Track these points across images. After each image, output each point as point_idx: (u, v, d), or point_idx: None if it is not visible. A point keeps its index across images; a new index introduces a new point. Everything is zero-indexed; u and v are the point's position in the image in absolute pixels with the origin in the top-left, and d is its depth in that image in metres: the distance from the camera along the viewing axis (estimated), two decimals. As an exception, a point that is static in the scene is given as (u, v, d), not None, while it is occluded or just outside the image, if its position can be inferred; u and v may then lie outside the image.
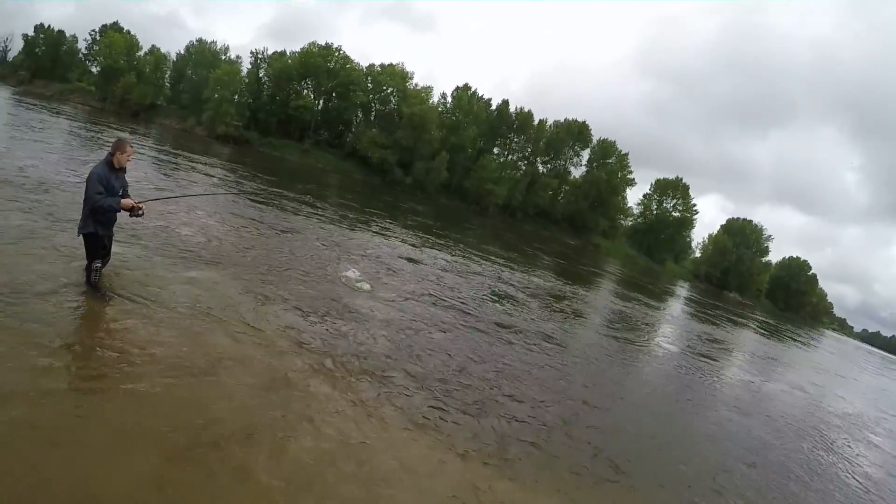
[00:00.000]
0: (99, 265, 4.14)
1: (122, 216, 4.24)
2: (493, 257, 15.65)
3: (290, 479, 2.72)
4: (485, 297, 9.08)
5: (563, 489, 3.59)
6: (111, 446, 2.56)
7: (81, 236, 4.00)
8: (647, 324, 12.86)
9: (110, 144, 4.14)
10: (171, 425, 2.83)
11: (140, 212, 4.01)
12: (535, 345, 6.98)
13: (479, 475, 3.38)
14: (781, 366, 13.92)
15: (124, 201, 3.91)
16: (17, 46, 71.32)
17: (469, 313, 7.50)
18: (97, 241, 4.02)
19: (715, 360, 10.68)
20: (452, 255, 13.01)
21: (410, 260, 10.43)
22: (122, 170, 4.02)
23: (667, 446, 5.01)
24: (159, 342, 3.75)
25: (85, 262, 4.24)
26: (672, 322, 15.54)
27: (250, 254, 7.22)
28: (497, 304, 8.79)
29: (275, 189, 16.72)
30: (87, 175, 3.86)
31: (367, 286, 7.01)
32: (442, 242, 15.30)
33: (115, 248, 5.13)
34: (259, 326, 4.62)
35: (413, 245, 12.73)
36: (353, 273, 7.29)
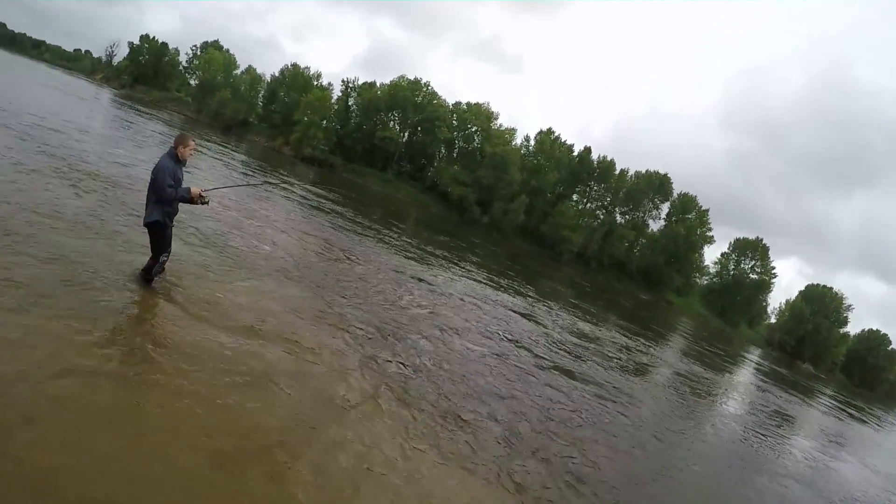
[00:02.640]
0: (165, 258, 4.13)
1: (185, 208, 4.28)
2: (564, 304, 15.51)
3: (327, 499, 2.71)
4: (554, 342, 8.94)
5: None
6: (161, 439, 2.62)
7: (147, 228, 3.99)
8: (714, 388, 12.35)
9: (189, 146, 4.11)
10: (217, 429, 2.87)
11: (205, 200, 4.04)
12: (602, 397, 6.82)
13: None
14: (847, 443, 12.90)
15: (193, 189, 3.95)
16: (122, 53, 78.24)
17: (540, 357, 7.38)
18: (164, 232, 4.00)
19: (782, 435, 10.09)
20: (525, 300, 12.87)
21: (481, 298, 10.32)
22: (184, 162, 4.06)
23: None
24: (214, 345, 3.73)
25: (148, 257, 4.21)
26: (740, 389, 14.74)
27: (318, 272, 7.14)
28: (565, 352, 8.61)
29: (353, 212, 17.22)
30: (154, 168, 3.90)
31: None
32: (514, 285, 15.14)
33: (182, 248, 5.19)
34: (316, 345, 4.53)
35: (485, 284, 12.67)
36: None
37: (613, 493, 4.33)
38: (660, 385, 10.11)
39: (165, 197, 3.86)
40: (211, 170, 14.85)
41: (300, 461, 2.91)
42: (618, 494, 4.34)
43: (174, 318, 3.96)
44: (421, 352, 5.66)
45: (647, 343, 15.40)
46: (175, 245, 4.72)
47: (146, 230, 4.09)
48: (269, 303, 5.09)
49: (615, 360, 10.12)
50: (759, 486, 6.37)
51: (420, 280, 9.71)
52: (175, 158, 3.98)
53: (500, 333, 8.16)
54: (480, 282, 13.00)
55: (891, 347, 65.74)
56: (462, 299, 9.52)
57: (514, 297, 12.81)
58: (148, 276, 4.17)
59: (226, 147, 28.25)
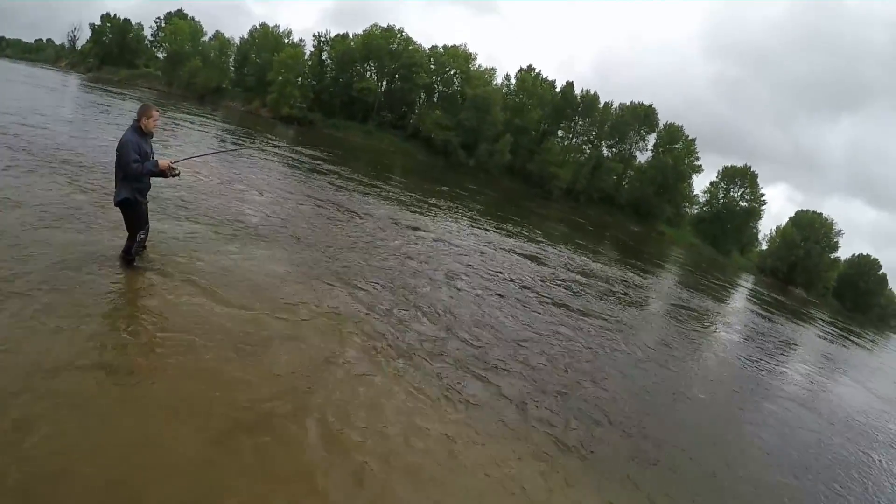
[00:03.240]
0: (143, 236, 4.00)
1: (157, 182, 4.07)
2: (557, 241, 15.42)
3: (339, 468, 2.60)
4: (551, 279, 8.91)
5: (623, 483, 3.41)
6: (159, 422, 2.50)
7: (118, 207, 3.84)
8: (709, 314, 12.49)
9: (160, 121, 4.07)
10: (218, 402, 2.76)
11: (176, 171, 3.88)
12: (602, 329, 6.86)
13: (535, 468, 3.24)
14: (842, 365, 13.19)
15: (161, 161, 3.77)
16: (85, 36, 75.28)
17: (543, 295, 7.33)
18: (137, 209, 3.85)
19: (779, 357, 10.25)
20: (517, 239, 12.75)
21: (475, 241, 10.21)
22: (150, 134, 3.91)
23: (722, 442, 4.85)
24: (207, 318, 3.61)
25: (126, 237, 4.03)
26: (735, 316, 14.97)
27: (308, 231, 6.99)
28: (562, 288, 8.60)
29: (337, 166, 16.77)
30: (118, 143, 3.70)
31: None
32: (506, 225, 15.07)
33: (163, 222, 5.04)
34: (314, 307, 4.42)
35: (477, 226, 12.55)
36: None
37: (627, 423, 4.39)
38: (660, 315, 10.11)
39: (131, 172, 3.67)
40: (187, 139, 14.25)
41: (306, 431, 2.82)
42: (631, 425, 4.37)
43: (163, 295, 3.84)
44: (422, 300, 5.53)
45: (643, 274, 15.35)
46: (155, 220, 4.62)
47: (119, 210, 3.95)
48: (261, 268, 4.92)
49: (615, 294, 10.08)
50: (764, 410, 6.35)
51: (414, 228, 9.51)
52: (139, 131, 3.82)
53: (501, 274, 8.01)
54: (474, 225, 12.76)
55: (881, 272, 66.82)
56: (458, 244, 9.33)
57: (509, 237, 12.60)
58: (128, 256, 4.04)
59: (201, 116, 27.27)
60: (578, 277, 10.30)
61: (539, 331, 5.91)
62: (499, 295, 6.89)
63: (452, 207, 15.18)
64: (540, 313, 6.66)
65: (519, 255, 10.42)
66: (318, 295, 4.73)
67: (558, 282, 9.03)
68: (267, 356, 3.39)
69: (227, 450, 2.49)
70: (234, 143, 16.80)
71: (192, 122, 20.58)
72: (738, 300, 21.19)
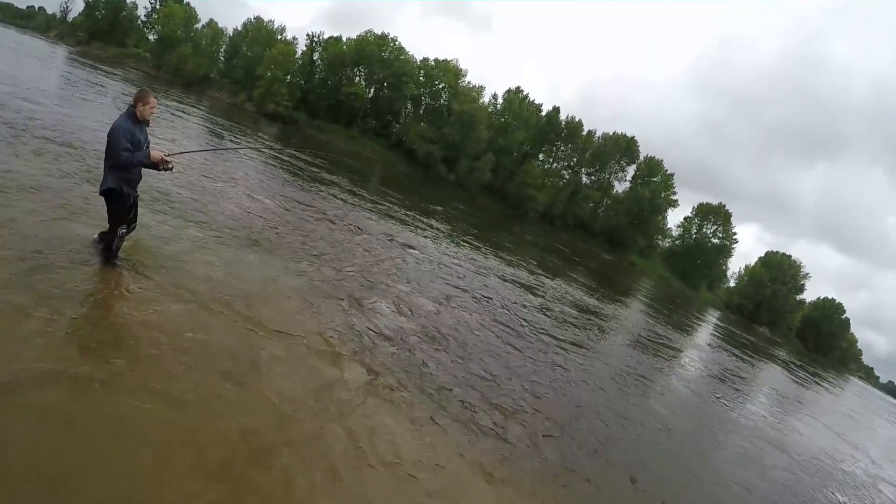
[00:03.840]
0: (124, 231, 3.65)
1: (148, 173, 3.80)
2: (529, 264, 15.49)
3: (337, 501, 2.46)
4: (522, 304, 8.94)
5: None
6: (147, 456, 2.25)
7: (103, 197, 3.54)
8: (675, 348, 12.64)
9: (149, 103, 3.60)
10: (207, 436, 2.51)
11: (170, 165, 3.61)
12: (566, 357, 6.88)
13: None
14: (806, 406, 13.53)
15: (154, 153, 3.51)
16: (77, 8, 73.68)
17: (515, 326, 7.29)
18: (122, 202, 3.54)
19: (739, 392, 10.47)
20: (489, 259, 12.83)
21: (451, 261, 10.17)
22: (146, 122, 3.61)
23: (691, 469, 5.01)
24: (191, 332, 3.33)
25: (105, 229, 3.72)
26: (700, 350, 15.20)
27: (296, 238, 6.87)
28: (532, 312, 8.65)
29: (327, 173, 16.50)
30: (110, 129, 3.43)
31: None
32: (480, 245, 15.06)
33: (143, 217, 4.64)
34: (302, 322, 4.21)
35: (455, 244, 12.56)
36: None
37: (592, 453, 4.40)
38: (631, 346, 10.14)
39: (120, 161, 3.39)
40: (177, 130, 13.75)
41: (306, 464, 2.63)
42: (594, 454, 4.39)
43: (143, 302, 3.50)
44: (407, 319, 5.46)
45: (615, 304, 15.49)
46: (141, 216, 4.29)
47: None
48: (253, 278, 4.69)
49: (588, 323, 10.08)
50: (732, 446, 6.46)
51: (409, 246, 9.49)
52: (133, 118, 3.50)
53: (464, 289, 7.99)
54: (450, 241, 12.77)
55: (844, 316, 68.85)
56: (440, 262, 9.34)
57: (481, 257, 12.52)
58: (109, 252, 3.71)
59: (186, 104, 26.67)
60: (553, 304, 10.35)
61: (515, 365, 5.85)
62: (506, 328, 6.90)
63: (434, 223, 15.20)
64: (530, 343, 6.71)
65: (489, 275, 10.44)
66: (313, 311, 4.52)
67: (536, 309, 9.07)
68: (261, 380, 3.17)
69: (227, 488, 2.25)
70: (232, 141, 16.49)
71: (178, 111, 20.05)
72: (704, 335, 21.49)
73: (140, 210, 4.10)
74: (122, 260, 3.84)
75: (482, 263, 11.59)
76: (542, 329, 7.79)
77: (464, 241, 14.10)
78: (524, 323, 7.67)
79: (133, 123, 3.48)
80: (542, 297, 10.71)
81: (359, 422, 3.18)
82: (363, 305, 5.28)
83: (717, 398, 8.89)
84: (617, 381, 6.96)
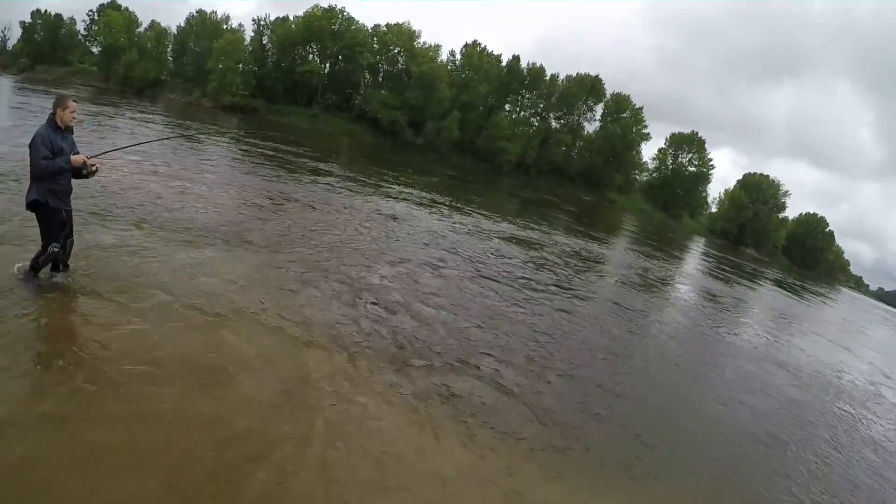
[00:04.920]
0: (57, 249, 3.42)
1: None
2: (510, 216, 15.35)
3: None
4: (509, 258, 8.83)
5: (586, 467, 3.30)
6: (113, 489, 2.05)
7: (32, 212, 3.39)
8: (666, 279, 12.72)
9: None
10: (186, 448, 2.35)
11: (93, 168, 3.41)
12: (562, 302, 6.82)
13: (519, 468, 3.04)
14: (801, 321, 13.70)
15: (74, 158, 3.30)
16: (15, 35, 70.83)
17: (507, 275, 7.23)
18: (51, 216, 3.36)
19: (732, 314, 10.52)
20: (470, 216, 12.64)
21: (429, 224, 9.99)
22: (69, 129, 3.45)
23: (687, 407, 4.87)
24: (158, 344, 3.13)
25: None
26: (691, 277, 15.35)
27: (259, 228, 6.47)
28: (518, 263, 8.54)
29: (280, 154, 16.06)
30: (29, 141, 3.27)
31: None
32: (458, 203, 14.92)
33: (89, 229, 4.46)
34: (275, 316, 3.99)
35: (428, 207, 12.34)
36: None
37: (597, 389, 4.36)
38: (618, 283, 10.03)
39: (39, 171, 3.21)
40: (119, 136, 13.11)
41: (292, 469, 2.42)
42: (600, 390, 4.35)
43: (100, 317, 3.28)
44: (388, 295, 5.14)
45: (596, 243, 15.35)
46: (86, 227, 4.13)
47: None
48: (215, 277, 4.42)
49: (569, 265, 9.90)
50: (735, 369, 6.39)
51: (378, 215, 9.16)
52: (53, 125, 3.34)
53: (458, 253, 7.68)
54: (420, 204, 12.42)
55: (828, 229, 70.25)
56: (405, 227, 8.99)
57: (459, 215, 12.23)
58: (35, 264, 3.50)
59: (139, 109, 25.83)
60: (539, 252, 10.20)
61: (511, 319, 5.70)
62: (481, 286, 6.60)
63: (403, 188, 14.90)
64: (511, 297, 6.51)
65: (467, 233, 10.24)
66: (282, 303, 4.25)
67: (524, 260, 8.96)
68: (235, 383, 2.97)
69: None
70: (169, 134, 15.73)
71: (126, 117, 19.51)
72: (694, 263, 21.73)
73: (85, 220, 4.01)
74: (67, 277, 3.65)
75: (465, 222, 11.36)
76: (533, 279, 7.68)
77: (440, 202, 13.82)
78: (515, 275, 7.54)
79: (53, 130, 3.32)
80: (528, 246, 10.58)
81: (345, 412, 3.01)
82: (348, 284, 5.05)
83: (714, 323, 8.94)
84: (614, 319, 6.94)
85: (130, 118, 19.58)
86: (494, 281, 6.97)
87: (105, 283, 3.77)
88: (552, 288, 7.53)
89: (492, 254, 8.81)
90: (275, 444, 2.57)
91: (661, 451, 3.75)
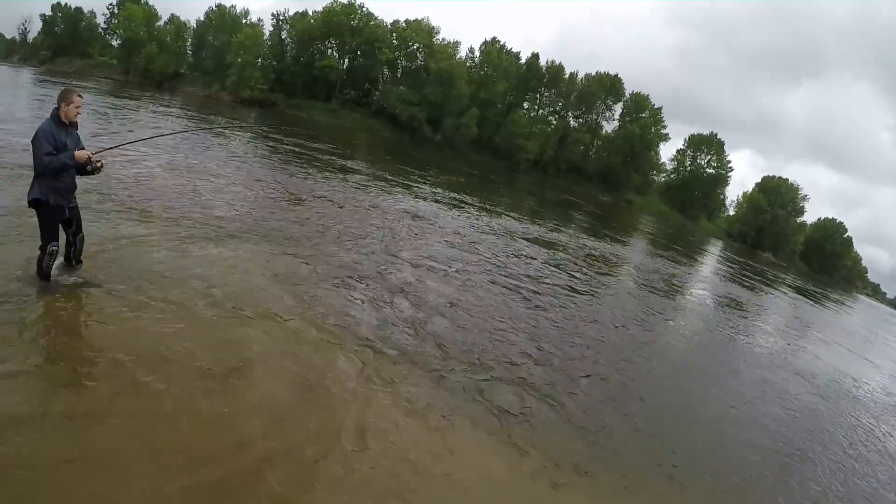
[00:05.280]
0: (55, 248, 3.34)
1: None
2: (527, 216, 15.24)
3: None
4: (526, 257, 8.74)
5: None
6: (139, 484, 1.99)
7: (34, 210, 3.30)
8: (685, 282, 12.62)
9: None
10: (190, 455, 2.23)
11: (98, 164, 3.32)
12: (577, 304, 6.72)
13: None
14: (818, 328, 13.48)
15: (78, 153, 3.21)
16: (35, 28, 71.81)
17: (525, 282, 7.04)
18: (52, 214, 3.29)
19: (749, 320, 10.37)
20: (495, 217, 12.54)
21: (450, 223, 9.86)
22: (73, 125, 3.34)
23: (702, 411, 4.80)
24: (176, 342, 3.04)
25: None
26: (709, 281, 15.16)
27: (286, 226, 6.36)
28: (537, 265, 8.45)
29: (301, 149, 16.00)
30: (32, 137, 3.18)
31: None
32: (483, 203, 14.79)
33: (104, 225, 4.36)
34: (290, 315, 3.88)
35: (449, 206, 12.23)
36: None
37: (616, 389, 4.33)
38: (641, 284, 9.98)
39: (41, 168, 3.12)
40: (136, 129, 12.88)
41: (309, 477, 2.32)
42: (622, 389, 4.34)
43: (114, 314, 3.18)
44: (415, 296, 5.06)
45: (613, 244, 15.30)
46: (98, 221, 4.04)
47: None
48: (226, 271, 4.32)
49: (587, 267, 9.83)
50: (750, 376, 6.29)
51: (401, 212, 9.09)
52: (57, 120, 3.22)
53: (482, 253, 7.58)
54: (441, 202, 12.33)
55: (846, 235, 69.09)
56: (428, 225, 8.90)
57: (479, 214, 12.14)
58: (40, 271, 3.40)
59: (158, 102, 25.98)
60: (555, 253, 10.14)
61: (528, 324, 5.58)
62: (505, 287, 6.52)
63: (422, 186, 14.82)
64: (529, 300, 6.42)
65: (487, 233, 10.16)
66: (306, 302, 4.17)
67: (541, 261, 8.87)
68: (253, 383, 2.89)
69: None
70: (190, 128, 15.79)
71: (146, 111, 19.48)
72: (711, 266, 21.52)
73: (96, 214, 3.92)
74: (76, 274, 3.56)
75: (482, 221, 11.23)
76: (551, 281, 7.60)
77: (457, 200, 13.71)
78: (532, 277, 7.44)
79: (57, 126, 3.21)
80: (544, 247, 10.51)
81: (367, 416, 2.91)
82: (375, 285, 4.96)
83: (731, 328, 8.81)
84: (631, 322, 6.85)
85: (153, 111, 19.68)
86: (518, 282, 6.92)
87: (120, 278, 3.69)
88: (573, 290, 7.50)
89: (514, 254, 8.76)
90: (291, 448, 2.46)
91: (681, 455, 3.75)
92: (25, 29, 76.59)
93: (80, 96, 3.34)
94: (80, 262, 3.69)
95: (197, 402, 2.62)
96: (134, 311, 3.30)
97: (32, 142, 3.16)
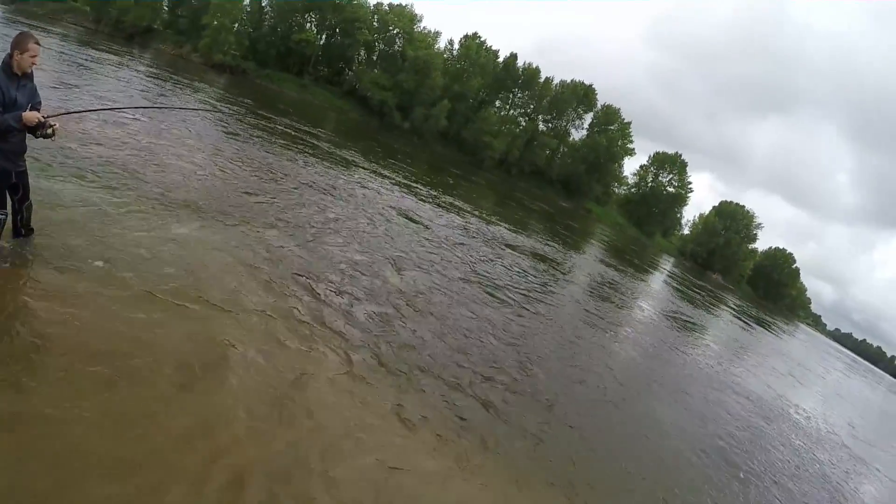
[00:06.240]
0: (3, 216, 3.05)
1: (34, 142, 3.05)
2: (485, 214, 15.34)
3: None
4: (478, 258, 8.76)
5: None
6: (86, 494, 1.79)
7: None
8: (630, 294, 12.91)
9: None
10: (162, 462, 2.04)
11: (49, 130, 2.89)
12: (521, 310, 6.69)
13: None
14: (759, 352, 14.11)
15: (27, 115, 2.78)
16: (7, -40, 67.85)
17: (477, 284, 6.99)
18: None
19: (692, 337, 10.79)
20: (447, 211, 12.55)
21: (409, 215, 9.77)
22: (28, 76, 2.91)
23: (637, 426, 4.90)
24: (135, 332, 2.76)
25: None
26: (655, 296, 15.63)
27: (245, 200, 6.13)
28: (488, 265, 8.50)
29: (267, 122, 15.71)
30: None
31: None
32: (436, 195, 14.85)
33: (49, 186, 4.02)
34: (273, 311, 3.66)
35: (411, 198, 12.17)
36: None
37: (546, 408, 4.23)
38: (587, 294, 10.13)
39: None
40: (97, 86, 12.00)
41: (293, 487, 2.20)
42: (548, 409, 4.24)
43: (66, 298, 2.81)
44: (391, 297, 4.98)
45: (566, 250, 15.44)
46: (46, 186, 3.64)
47: None
48: (199, 252, 4.03)
49: (537, 271, 9.90)
50: (694, 395, 6.50)
51: (349, 195, 8.90)
52: (8, 70, 2.78)
53: (438, 253, 7.45)
54: (406, 195, 12.11)
55: (795, 266, 72.77)
56: (394, 219, 8.74)
57: (438, 210, 12.06)
58: None
59: (125, 56, 24.79)
60: (507, 255, 10.14)
61: (488, 326, 5.60)
62: (466, 285, 6.55)
63: (387, 173, 14.75)
64: (494, 305, 6.45)
65: (445, 227, 10.19)
66: (279, 298, 3.93)
67: (491, 261, 8.88)
68: (223, 385, 2.67)
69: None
70: (168, 96, 14.68)
71: (112, 65, 18.72)
72: (661, 282, 22.08)
73: (46, 179, 3.57)
74: (24, 247, 3.22)
75: (440, 217, 11.15)
76: (500, 283, 7.59)
77: (417, 192, 13.70)
78: (483, 278, 7.44)
79: (8, 77, 2.79)
80: (497, 247, 10.56)
81: (341, 425, 2.81)
82: (319, 277, 4.71)
83: (674, 346, 9.08)
84: (572, 332, 6.85)
85: (116, 66, 18.94)
86: (474, 284, 6.95)
87: (75, 255, 3.28)
88: (526, 296, 7.55)
89: (472, 255, 8.78)
90: (264, 458, 2.32)
91: (623, 465, 3.87)
92: (-3, -38, 72.46)
93: (37, 43, 2.86)
94: (31, 230, 3.32)
95: (163, 404, 2.37)
96: (89, 292, 2.96)
97: None
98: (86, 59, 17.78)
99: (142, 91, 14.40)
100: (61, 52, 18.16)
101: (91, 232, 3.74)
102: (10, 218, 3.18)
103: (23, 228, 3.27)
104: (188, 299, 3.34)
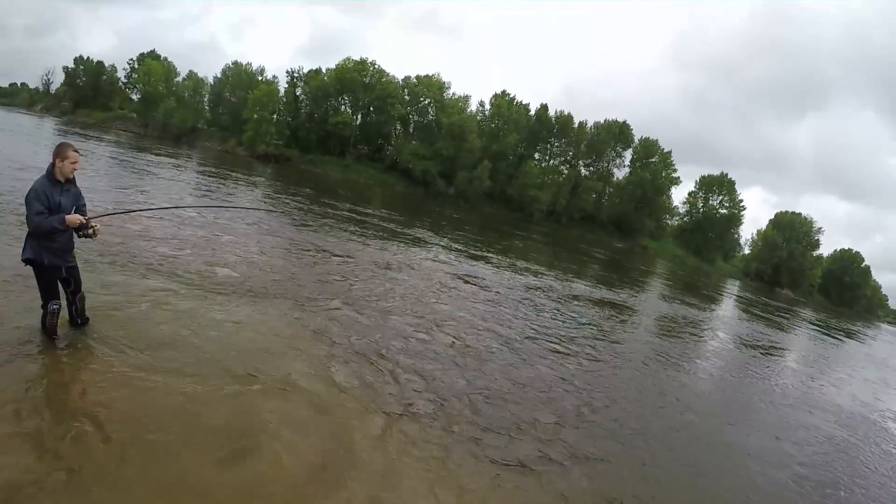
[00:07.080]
0: (56, 307, 3.29)
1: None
2: (542, 265, 15.27)
3: None
4: (539, 309, 8.61)
5: None
6: None
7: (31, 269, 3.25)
8: (700, 325, 12.43)
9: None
10: None
11: (90, 230, 3.20)
12: (591, 359, 6.51)
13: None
14: (841, 362, 13.23)
15: (69, 218, 3.06)
16: (58, 79, 74.86)
17: (545, 334, 6.97)
18: (46, 274, 3.22)
19: (772, 359, 10.28)
20: (505, 269, 12.50)
21: (467, 279, 9.71)
22: (70, 181, 3.22)
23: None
24: (185, 409, 2.95)
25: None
26: (725, 322, 14.91)
27: (297, 283, 6.29)
28: (550, 315, 8.36)
29: (317, 206, 16.21)
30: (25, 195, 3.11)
31: None
32: (492, 255, 14.77)
33: (107, 278, 4.37)
34: (312, 380, 3.79)
35: (469, 261, 12.25)
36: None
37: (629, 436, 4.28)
38: (653, 332, 9.89)
39: (32, 228, 3.05)
40: (149, 186, 12.86)
41: None
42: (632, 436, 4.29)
43: (120, 377, 3.11)
44: (426, 360, 4.89)
45: (629, 291, 15.18)
46: (98, 276, 3.99)
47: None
48: (242, 333, 4.27)
49: (602, 316, 9.78)
50: (773, 416, 6.23)
51: (404, 267, 9.07)
52: (51, 177, 3.11)
53: (498, 315, 7.47)
54: (460, 256, 12.39)
55: (864, 264, 68.09)
56: (451, 284, 8.86)
57: (494, 268, 12.17)
58: (44, 329, 3.36)
59: (176, 157, 26.76)
60: (569, 303, 10.08)
61: (557, 383, 5.41)
62: (504, 345, 6.25)
63: (441, 241, 14.93)
64: (545, 358, 6.19)
65: (508, 287, 10.14)
66: (315, 366, 4.04)
67: (553, 311, 8.84)
68: (269, 454, 2.80)
69: None
70: (214, 195, 15.21)
71: (162, 166, 19.77)
72: (730, 307, 21.21)
73: (98, 270, 3.88)
74: (55, 332, 3.45)
75: (497, 275, 11.20)
76: (565, 335, 7.42)
77: (474, 254, 13.78)
78: (548, 331, 7.33)
79: (51, 184, 3.10)
80: (560, 300, 10.35)
81: (388, 491, 2.79)
82: (381, 345, 4.83)
83: (752, 369, 8.70)
84: (647, 368, 6.76)
85: (166, 167, 19.68)
86: (545, 337, 6.88)
87: (128, 338, 3.58)
88: (595, 338, 7.51)
89: (536, 307, 8.72)
90: None
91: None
92: (48, 80, 79.87)
93: (75, 151, 3.20)
94: (87, 319, 3.58)
95: (211, 473, 2.50)
96: (143, 372, 3.20)
97: (25, 200, 3.06)
98: (140, 163, 18.55)
99: (206, 191, 14.86)
100: (120, 158, 19.17)
101: (147, 315, 4.01)
102: (66, 310, 3.43)
103: (78, 318, 3.54)
104: (248, 377, 3.53)
